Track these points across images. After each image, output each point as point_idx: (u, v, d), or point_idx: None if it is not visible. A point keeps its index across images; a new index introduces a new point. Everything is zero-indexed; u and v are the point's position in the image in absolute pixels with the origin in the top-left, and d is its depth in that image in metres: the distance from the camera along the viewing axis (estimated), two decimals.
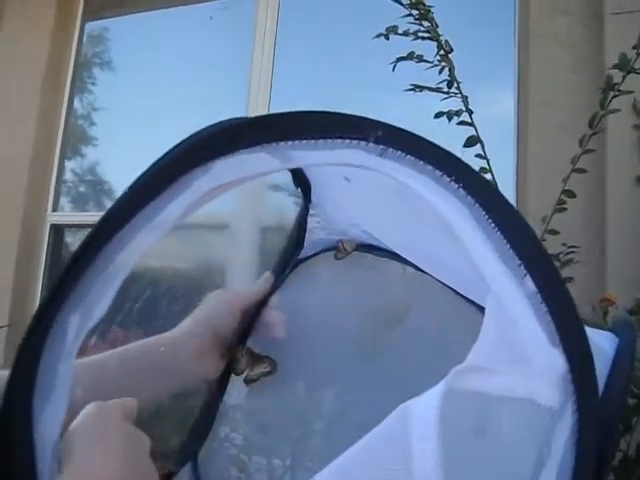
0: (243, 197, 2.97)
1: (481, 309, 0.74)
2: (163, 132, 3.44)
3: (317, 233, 0.94)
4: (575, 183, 1.83)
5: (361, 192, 0.72)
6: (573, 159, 1.77)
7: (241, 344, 0.89)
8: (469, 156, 1.77)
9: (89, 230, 0.46)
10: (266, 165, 0.52)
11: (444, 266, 0.81)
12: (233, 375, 0.90)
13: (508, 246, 0.46)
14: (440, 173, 0.48)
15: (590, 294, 2.19)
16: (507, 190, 2.58)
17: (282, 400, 0.99)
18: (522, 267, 0.46)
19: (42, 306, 0.45)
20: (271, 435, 1.06)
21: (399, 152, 0.49)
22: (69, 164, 3.62)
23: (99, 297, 0.48)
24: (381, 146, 0.49)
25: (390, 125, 0.50)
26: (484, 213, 0.47)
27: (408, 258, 0.87)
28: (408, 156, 0.49)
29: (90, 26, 3.69)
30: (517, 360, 0.48)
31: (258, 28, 3.22)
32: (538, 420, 0.47)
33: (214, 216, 2.99)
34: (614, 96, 1.72)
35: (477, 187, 0.48)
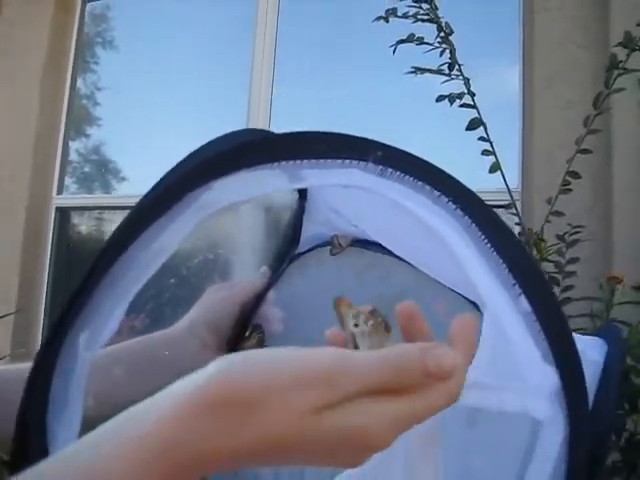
0: None
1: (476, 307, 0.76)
2: (167, 109, 3.43)
3: (312, 229, 0.95)
4: (581, 161, 1.81)
5: (357, 192, 0.73)
6: (577, 140, 1.75)
7: (257, 325, 0.90)
8: (472, 139, 1.76)
9: (98, 251, 0.47)
10: (274, 184, 0.53)
11: (441, 268, 0.82)
12: None
13: (504, 266, 0.48)
14: (438, 193, 0.50)
15: (597, 272, 2.19)
16: (513, 170, 2.57)
17: None
18: (516, 287, 0.47)
19: (53, 328, 0.47)
20: None
21: (398, 172, 0.50)
22: (73, 145, 3.62)
23: (109, 315, 0.49)
24: (381, 166, 0.50)
25: (389, 146, 0.50)
26: (480, 233, 0.49)
27: (403, 257, 0.88)
28: (407, 176, 0.50)
29: (91, 5, 3.66)
30: (512, 376, 0.49)
31: (261, 3, 3.19)
32: (526, 432, 0.50)
33: None
34: (619, 75, 1.70)
35: (473, 208, 0.49)
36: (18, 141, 3.32)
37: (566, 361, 0.47)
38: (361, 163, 0.50)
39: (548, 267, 1.86)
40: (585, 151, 1.76)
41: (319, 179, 0.52)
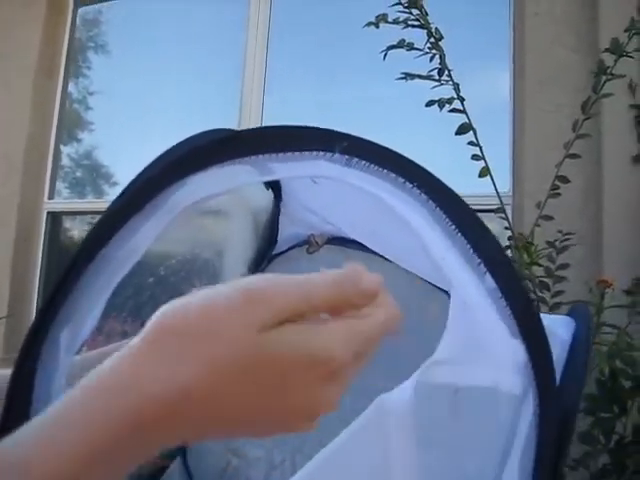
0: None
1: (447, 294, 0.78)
2: (159, 114, 3.43)
3: (289, 228, 0.96)
4: (572, 165, 1.82)
5: (329, 189, 0.75)
6: (566, 144, 1.76)
7: None
8: (461, 143, 1.77)
9: (76, 249, 0.49)
10: (245, 177, 0.54)
11: (412, 258, 0.83)
12: None
13: (468, 246, 0.50)
14: (402, 180, 0.52)
15: (588, 275, 2.20)
16: (504, 173, 2.58)
17: None
18: (482, 265, 0.49)
19: (34, 326, 0.47)
20: None
21: (364, 162, 0.52)
22: (65, 150, 3.61)
23: (88, 312, 0.50)
24: (346, 156, 0.52)
25: (355, 136, 0.52)
26: (445, 216, 0.51)
27: (375, 249, 0.90)
28: (372, 165, 0.52)
29: (83, 9, 3.66)
30: (481, 352, 0.51)
31: (252, 8, 3.20)
32: (503, 407, 0.51)
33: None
34: (606, 80, 1.71)
35: (438, 192, 0.51)
36: (9, 145, 3.31)
37: (532, 335, 0.49)
38: (327, 154, 0.52)
39: (538, 271, 1.87)
40: (574, 156, 1.77)
41: (288, 171, 0.54)
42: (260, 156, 0.51)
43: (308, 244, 0.96)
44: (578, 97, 2.00)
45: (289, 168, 0.53)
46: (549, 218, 1.81)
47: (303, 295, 0.39)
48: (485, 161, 1.77)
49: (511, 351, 0.49)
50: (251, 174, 0.53)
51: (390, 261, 0.91)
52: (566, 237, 1.85)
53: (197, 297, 0.39)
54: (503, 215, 1.86)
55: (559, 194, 1.79)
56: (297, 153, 0.52)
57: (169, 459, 0.95)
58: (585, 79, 2.35)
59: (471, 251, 0.50)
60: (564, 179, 1.77)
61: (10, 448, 0.36)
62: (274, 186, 0.91)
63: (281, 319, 0.38)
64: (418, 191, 0.51)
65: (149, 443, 0.38)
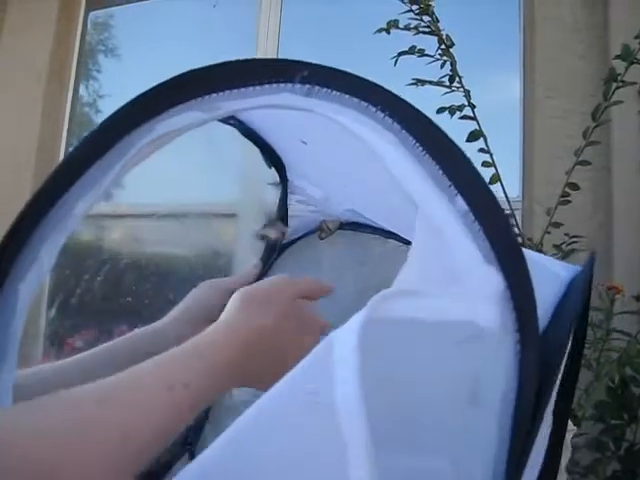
0: (248, 186, 2.97)
1: None
2: None
3: (299, 217, 0.95)
4: (581, 171, 1.82)
5: (330, 162, 0.77)
6: (577, 151, 1.76)
7: None
8: (472, 150, 1.77)
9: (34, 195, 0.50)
10: (195, 117, 0.53)
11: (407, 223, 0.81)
12: None
13: (437, 167, 0.46)
14: (365, 104, 0.49)
15: (597, 281, 2.18)
16: (513, 178, 2.57)
17: None
18: (452, 187, 0.46)
19: None
20: None
21: (325, 89, 0.50)
22: None
23: (43, 265, 0.51)
24: (307, 86, 0.50)
25: (314, 64, 0.51)
26: (411, 138, 0.47)
27: (388, 227, 0.88)
28: (334, 92, 0.50)
29: (94, 13, 3.67)
30: (451, 281, 0.47)
31: (262, 15, 3.20)
32: (478, 342, 0.46)
33: (220, 205, 2.99)
34: (617, 87, 1.70)
35: (403, 114, 0.48)
36: (21, 148, 3.32)
37: (509, 259, 0.45)
38: (288, 85, 0.50)
39: None
40: (584, 162, 1.76)
41: (248, 103, 0.52)
42: (221, 93, 0.51)
43: (320, 230, 0.95)
44: (587, 103, 2.00)
45: (244, 103, 0.52)
46: (558, 225, 1.80)
47: (302, 286, 0.73)
48: (495, 168, 1.77)
49: (486, 278, 0.44)
50: (199, 115, 0.52)
51: (404, 242, 0.88)
52: (572, 240, 1.85)
53: (262, 282, 0.72)
54: (513, 221, 1.86)
55: (569, 201, 1.78)
56: (259, 87, 0.50)
57: (175, 456, 0.94)
58: (595, 85, 2.34)
59: (440, 172, 0.46)
60: (574, 186, 1.77)
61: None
62: (277, 166, 0.89)
63: (302, 296, 0.71)
64: (382, 114, 0.48)
65: (243, 369, 0.60)
